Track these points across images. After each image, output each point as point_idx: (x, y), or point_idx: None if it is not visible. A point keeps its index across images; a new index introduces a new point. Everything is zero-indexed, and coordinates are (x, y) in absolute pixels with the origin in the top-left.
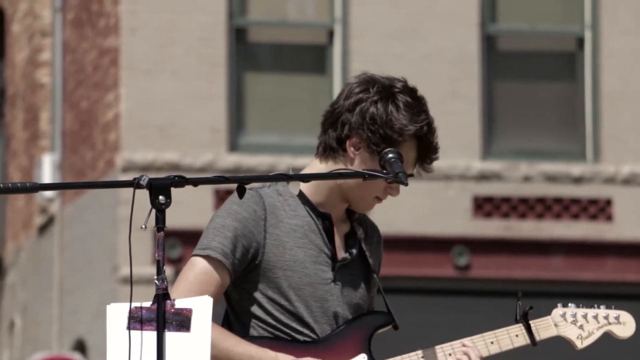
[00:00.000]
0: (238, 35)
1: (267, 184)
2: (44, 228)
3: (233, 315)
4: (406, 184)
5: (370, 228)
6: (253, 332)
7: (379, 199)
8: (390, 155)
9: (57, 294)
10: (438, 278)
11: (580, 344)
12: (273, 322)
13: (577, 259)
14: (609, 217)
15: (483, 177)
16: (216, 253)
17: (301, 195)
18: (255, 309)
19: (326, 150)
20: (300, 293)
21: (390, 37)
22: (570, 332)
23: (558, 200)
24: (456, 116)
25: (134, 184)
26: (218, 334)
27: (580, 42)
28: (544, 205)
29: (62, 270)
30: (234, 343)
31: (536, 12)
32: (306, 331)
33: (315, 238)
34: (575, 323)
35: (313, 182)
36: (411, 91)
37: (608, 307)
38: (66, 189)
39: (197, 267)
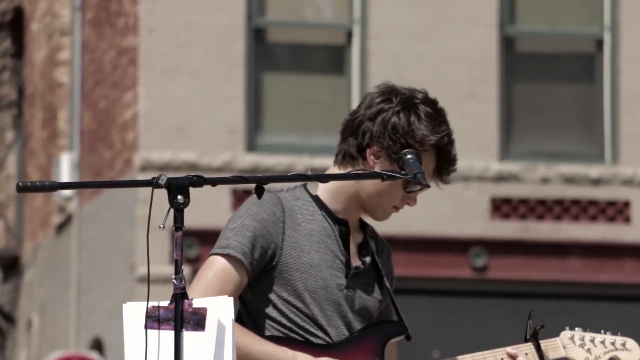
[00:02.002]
0: (257, 36)
1: (285, 188)
2: (61, 227)
3: (247, 317)
4: (424, 185)
5: (381, 243)
6: (267, 333)
7: (396, 209)
8: (409, 157)
9: (75, 293)
10: (455, 279)
11: None
12: (287, 324)
13: (594, 261)
14: (627, 219)
15: (501, 178)
16: (236, 252)
17: (318, 201)
18: (269, 310)
19: (345, 158)
20: (315, 296)
21: (409, 38)
22: (578, 355)
23: (576, 202)
24: (474, 118)
25: (153, 184)
26: (236, 330)
27: (600, 44)
28: (561, 207)
29: (79, 269)
30: (253, 341)
31: (555, 13)
32: (320, 334)
33: (331, 244)
34: (583, 346)
35: (331, 189)
36: (432, 102)
37: (614, 334)
38: (84, 188)
39: (216, 265)
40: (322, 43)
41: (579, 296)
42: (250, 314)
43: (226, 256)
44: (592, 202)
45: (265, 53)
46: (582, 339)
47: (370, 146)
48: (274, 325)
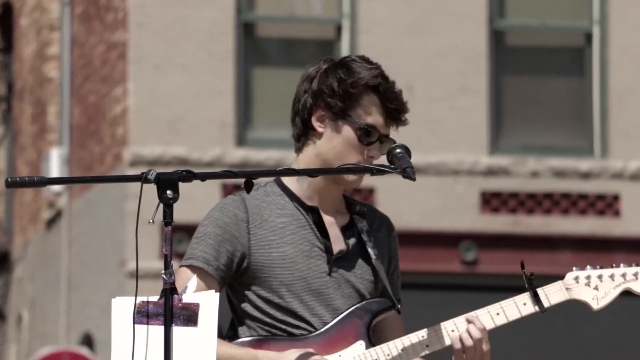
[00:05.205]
0: (246, 30)
1: (256, 186)
2: (51, 222)
3: (236, 319)
4: (414, 179)
5: (378, 220)
6: (253, 332)
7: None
8: (398, 150)
9: (65, 288)
10: (445, 273)
11: (596, 305)
12: (269, 321)
13: (584, 255)
14: (617, 213)
15: (491, 172)
16: (198, 261)
17: (289, 193)
18: (252, 310)
19: (299, 140)
20: (292, 289)
21: (398, 33)
22: (584, 294)
23: (566, 196)
24: (464, 112)
25: (142, 179)
26: None
27: (589, 37)
28: (551, 201)
29: (69, 264)
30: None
31: (544, 7)
32: (302, 324)
33: (305, 233)
34: (589, 285)
35: (296, 178)
36: (362, 57)
37: (626, 266)
38: (74, 183)
39: (182, 277)
40: (312, 37)
41: None
42: (238, 317)
43: (190, 267)
44: (582, 196)
45: (255, 48)
46: (588, 277)
47: (313, 114)
48: (259, 324)
